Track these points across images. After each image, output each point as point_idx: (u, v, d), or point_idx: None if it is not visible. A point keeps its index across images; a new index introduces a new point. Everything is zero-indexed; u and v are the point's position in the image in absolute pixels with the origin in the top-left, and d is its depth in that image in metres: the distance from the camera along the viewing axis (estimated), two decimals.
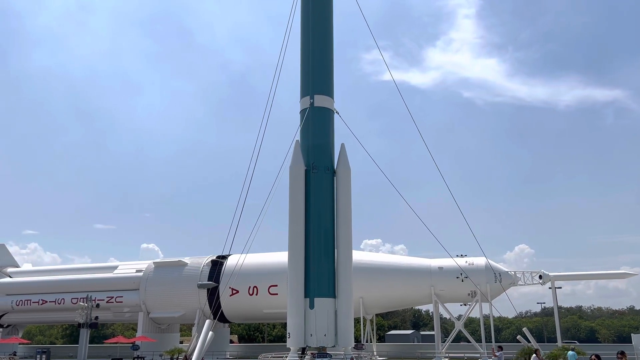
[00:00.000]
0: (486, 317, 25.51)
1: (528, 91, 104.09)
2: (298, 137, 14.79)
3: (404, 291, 25.25)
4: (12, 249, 37.78)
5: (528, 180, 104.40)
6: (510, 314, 56.46)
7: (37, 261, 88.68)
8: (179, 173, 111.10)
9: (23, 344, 33.10)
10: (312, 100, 14.73)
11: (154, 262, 29.72)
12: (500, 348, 18.12)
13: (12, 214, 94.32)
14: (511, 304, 43.71)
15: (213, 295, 26.66)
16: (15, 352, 31.54)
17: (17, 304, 31.12)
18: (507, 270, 24.88)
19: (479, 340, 24.11)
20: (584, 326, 53.39)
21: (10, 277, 33.24)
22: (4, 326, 32.61)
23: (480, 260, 24.59)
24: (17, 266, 35.26)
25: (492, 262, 24.45)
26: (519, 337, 22.51)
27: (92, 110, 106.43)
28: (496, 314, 24.00)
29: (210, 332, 14.71)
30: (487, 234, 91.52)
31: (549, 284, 24.80)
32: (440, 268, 24.77)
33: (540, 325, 48.02)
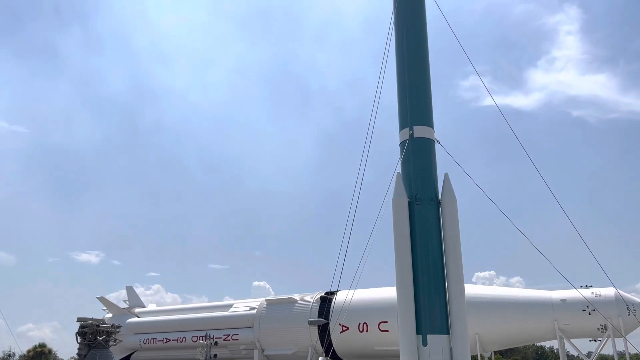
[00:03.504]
0: (621, 355, 23.17)
1: None
2: (399, 169, 14.63)
3: (524, 326, 23.63)
4: (139, 290, 40.91)
5: None
6: None
7: (160, 301, 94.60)
8: (287, 213, 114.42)
9: None
10: (411, 132, 14.55)
11: (266, 300, 30.44)
12: None
13: (138, 258, 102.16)
14: None
15: (324, 332, 26.66)
16: None
17: (145, 342, 33.19)
18: None
19: None
20: None
21: (138, 317, 35.68)
22: None
23: (608, 291, 22.48)
24: (144, 306, 37.84)
25: (622, 293, 22.30)
26: None
27: (216, 158, 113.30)
28: (632, 350, 21.70)
29: None
30: (615, 261, 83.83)
31: None
32: (563, 300, 22.95)
33: None
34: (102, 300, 37.36)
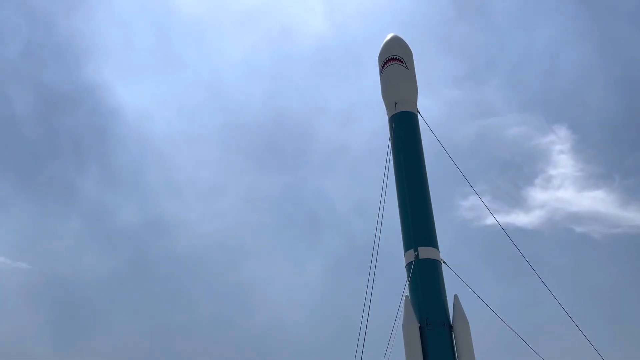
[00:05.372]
0: None
1: None
2: (407, 292, 14.34)
3: None
4: None
5: None
6: None
7: None
8: (296, 343, 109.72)
9: None
10: (416, 253, 14.50)
11: None
12: None
13: None
14: None
15: None
16: None
17: None
18: None
19: None
20: None
21: None
22: None
23: None
24: None
25: None
26: None
27: (225, 289, 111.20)
28: None
29: None
30: None
31: None
32: None
33: None
34: None
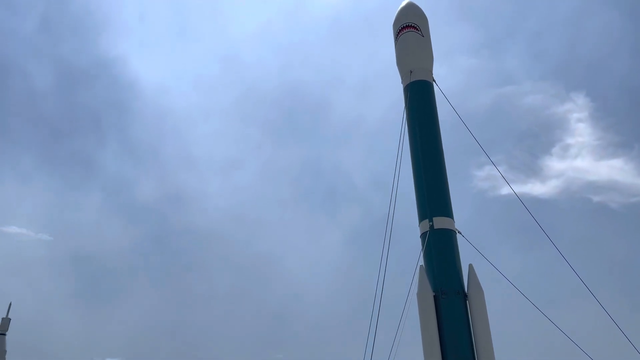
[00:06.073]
0: None
1: None
2: (422, 262, 14.41)
3: None
4: None
5: None
6: None
7: None
8: (312, 313, 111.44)
9: None
10: (431, 223, 14.50)
11: None
12: None
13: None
14: None
15: None
16: None
17: None
18: None
19: None
20: None
21: None
22: None
23: None
24: None
25: None
26: None
27: (244, 261, 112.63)
28: None
29: None
30: None
31: None
32: None
33: None
34: None
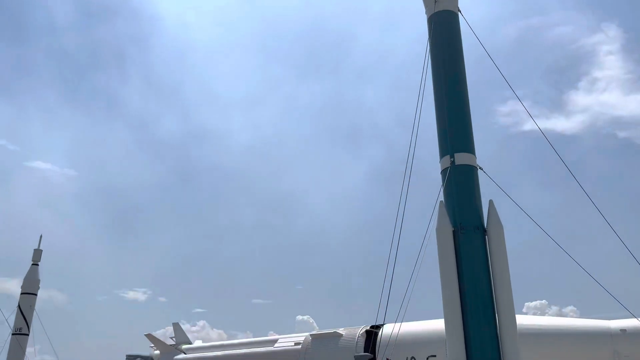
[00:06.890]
0: None
1: None
2: (442, 198, 14.39)
3: (580, 358, 22.45)
4: (185, 326, 41.24)
5: None
6: None
7: (205, 337, 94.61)
8: (332, 246, 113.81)
9: None
10: (452, 159, 14.35)
11: (310, 335, 30.06)
12: None
13: (184, 295, 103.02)
14: None
15: None
16: None
17: None
18: None
19: None
20: None
21: (185, 353, 35.82)
22: None
23: None
24: (190, 343, 38.01)
25: None
26: None
27: (266, 196, 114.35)
28: None
29: None
30: None
31: None
32: (623, 330, 21.71)
33: None
34: (150, 337, 37.75)
